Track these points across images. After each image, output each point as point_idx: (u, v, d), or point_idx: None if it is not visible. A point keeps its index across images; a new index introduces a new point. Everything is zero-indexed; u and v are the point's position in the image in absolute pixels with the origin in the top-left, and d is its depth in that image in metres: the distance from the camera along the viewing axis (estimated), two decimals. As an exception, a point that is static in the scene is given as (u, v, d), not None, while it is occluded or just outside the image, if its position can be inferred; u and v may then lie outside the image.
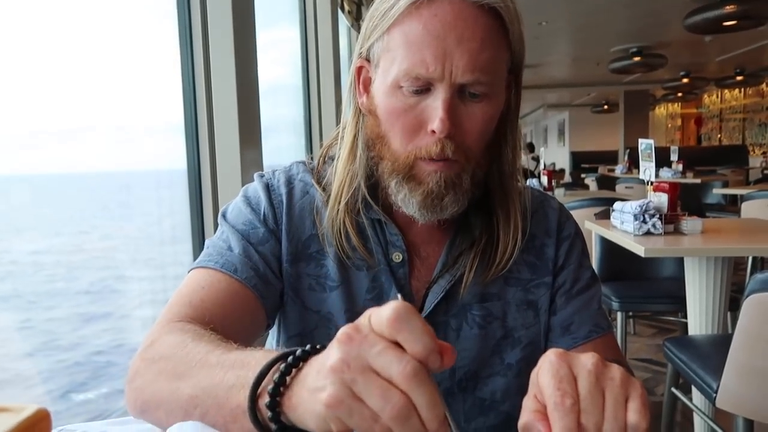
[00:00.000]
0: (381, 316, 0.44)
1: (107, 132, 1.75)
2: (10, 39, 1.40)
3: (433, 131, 0.71)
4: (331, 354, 0.45)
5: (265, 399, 0.50)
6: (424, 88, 0.72)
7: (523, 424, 0.52)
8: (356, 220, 0.82)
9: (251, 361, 0.54)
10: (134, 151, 1.85)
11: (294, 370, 0.50)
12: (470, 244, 0.82)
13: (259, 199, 0.84)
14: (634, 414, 0.50)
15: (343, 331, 0.45)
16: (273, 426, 0.50)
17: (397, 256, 0.82)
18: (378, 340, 0.43)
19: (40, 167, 1.53)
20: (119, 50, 1.75)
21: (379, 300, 0.82)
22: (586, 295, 0.87)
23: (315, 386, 0.46)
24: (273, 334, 0.90)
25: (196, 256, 0.83)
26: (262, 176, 0.88)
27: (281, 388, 0.49)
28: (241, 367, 0.55)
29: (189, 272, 0.80)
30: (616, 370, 0.52)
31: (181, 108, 1.82)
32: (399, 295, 0.46)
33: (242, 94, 1.81)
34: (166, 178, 2.07)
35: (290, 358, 0.50)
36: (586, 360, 0.52)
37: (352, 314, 0.82)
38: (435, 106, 0.71)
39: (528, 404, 0.53)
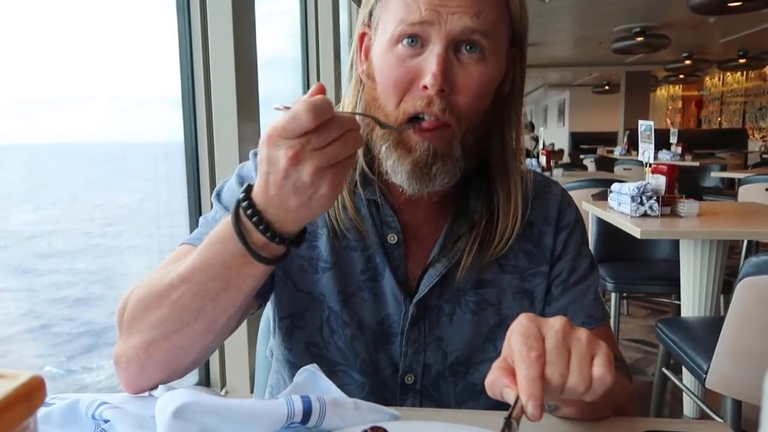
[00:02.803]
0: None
1: (104, 102, 1.73)
2: (6, 7, 1.38)
3: (425, 86, 0.70)
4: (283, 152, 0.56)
5: (242, 205, 0.60)
6: (419, 42, 0.71)
7: (489, 381, 0.54)
8: (354, 194, 0.81)
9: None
10: (131, 123, 1.84)
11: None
12: (469, 228, 0.81)
13: (251, 179, 0.83)
14: (599, 368, 0.52)
15: (267, 132, 0.57)
16: (258, 228, 0.60)
17: (392, 238, 0.81)
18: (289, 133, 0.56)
19: (35, 137, 1.51)
20: (116, 20, 1.72)
21: (373, 281, 0.81)
22: (583, 285, 0.86)
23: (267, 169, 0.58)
24: (268, 315, 0.90)
25: (192, 227, 0.83)
26: (256, 154, 0.86)
27: (249, 193, 0.60)
28: (215, 231, 0.64)
29: (180, 246, 0.80)
30: (582, 332, 0.54)
31: (178, 80, 1.80)
32: (282, 106, 0.56)
33: (240, 66, 1.78)
34: (162, 150, 2.06)
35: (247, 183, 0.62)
36: (554, 321, 0.54)
37: (346, 296, 0.81)
38: (429, 61, 0.70)
39: (496, 364, 0.55)
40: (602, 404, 0.66)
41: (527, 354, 0.52)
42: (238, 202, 0.61)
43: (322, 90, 0.57)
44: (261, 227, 0.60)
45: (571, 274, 0.85)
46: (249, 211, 0.60)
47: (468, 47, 0.71)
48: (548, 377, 0.51)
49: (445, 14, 0.69)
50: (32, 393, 0.37)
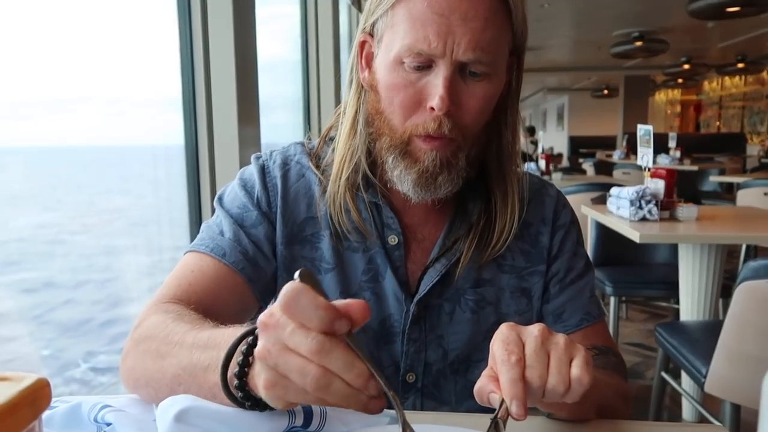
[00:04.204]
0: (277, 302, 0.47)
1: (102, 105, 1.73)
2: (3, 8, 1.38)
3: (432, 108, 0.72)
4: (258, 342, 0.48)
5: (234, 381, 0.53)
6: (425, 65, 0.72)
7: (476, 389, 0.56)
8: (356, 196, 0.82)
9: (221, 341, 0.57)
10: (131, 126, 1.84)
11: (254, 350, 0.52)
12: (468, 228, 0.83)
13: (253, 182, 0.85)
14: (577, 369, 0.54)
15: (260, 319, 0.48)
16: (247, 403, 0.54)
17: (392, 239, 0.83)
18: (287, 322, 0.47)
19: (31, 139, 1.51)
20: (117, 23, 1.73)
21: (374, 281, 0.83)
22: (580, 283, 0.87)
23: (256, 373, 0.50)
24: None
25: (192, 231, 0.84)
26: (258, 158, 0.88)
27: (246, 369, 0.53)
28: (213, 347, 0.58)
29: (184, 254, 0.82)
30: (560, 337, 0.57)
31: (179, 83, 1.80)
32: (296, 275, 0.48)
33: (241, 69, 1.79)
34: (162, 153, 2.05)
35: (251, 339, 0.53)
36: (533, 328, 0.57)
37: (348, 296, 0.83)
38: (435, 84, 0.71)
39: (484, 373, 0.57)
40: (586, 403, 0.66)
41: (508, 358, 0.54)
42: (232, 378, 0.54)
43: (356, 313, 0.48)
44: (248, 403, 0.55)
45: (568, 273, 0.87)
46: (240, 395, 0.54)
47: (472, 72, 0.73)
48: (529, 379, 0.53)
49: (452, 44, 0.70)
50: (38, 396, 0.37)
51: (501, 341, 0.56)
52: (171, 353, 0.62)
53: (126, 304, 2.00)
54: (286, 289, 0.46)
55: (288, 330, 0.46)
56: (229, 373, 0.54)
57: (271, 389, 0.48)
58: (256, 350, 0.48)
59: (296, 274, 0.47)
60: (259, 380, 0.49)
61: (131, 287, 2.05)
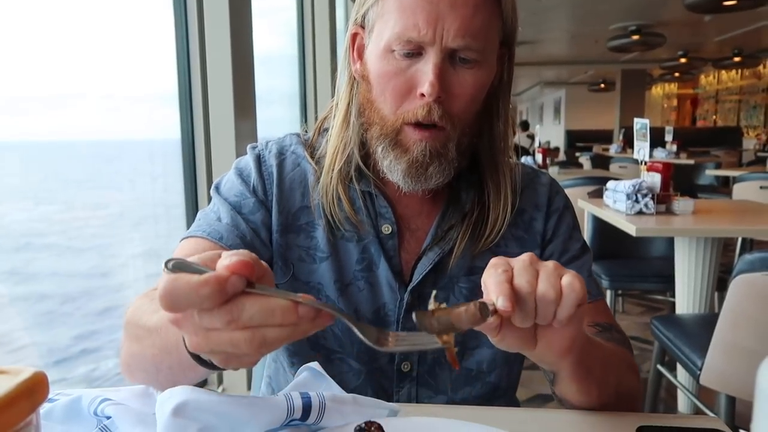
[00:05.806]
0: None
1: (98, 100, 1.72)
2: None
3: (422, 94, 0.73)
4: (185, 338, 0.47)
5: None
6: (415, 52, 0.73)
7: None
8: (349, 187, 0.83)
9: None
10: (126, 120, 1.83)
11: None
12: (461, 217, 0.84)
13: (249, 171, 0.86)
14: (567, 276, 0.54)
15: (167, 317, 0.45)
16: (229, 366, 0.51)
17: (386, 228, 0.84)
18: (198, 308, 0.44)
19: (26, 134, 1.50)
20: (112, 17, 1.72)
21: (368, 271, 0.84)
22: (575, 264, 0.88)
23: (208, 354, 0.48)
24: None
25: (189, 223, 0.85)
26: (254, 148, 0.89)
27: None
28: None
29: (180, 242, 0.83)
30: (550, 261, 0.57)
31: (175, 77, 1.80)
32: (162, 267, 0.44)
33: (237, 63, 1.78)
34: (159, 147, 2.05)
35: None
36: (522, 255, 0.57)
37: (342, 285, 0.83)
38: (425, 70, 0.73)
39: None
40: (601, 375, 0.67)
41: (494, 270, 0.55)
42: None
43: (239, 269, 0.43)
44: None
45: (563, 255, 0.88)
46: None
47: (462, 58, 0.74)
48: (517, 285, 0.53)
49: (441, 30, 0.71)
50: (35, 389, 0.37)
51: (490, 266, 0.56)
52: (144, 336, 0.63)
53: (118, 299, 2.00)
54: (159, 286, 0.42)
55: (195, 316, 0.44)
56: None
57: (226, 364, 0.47)
58: (188, 345, 0.46)
59: (163, 267, 0.43)
60: (214, 360, 0.48)
61: (123, 283, 2.04)
